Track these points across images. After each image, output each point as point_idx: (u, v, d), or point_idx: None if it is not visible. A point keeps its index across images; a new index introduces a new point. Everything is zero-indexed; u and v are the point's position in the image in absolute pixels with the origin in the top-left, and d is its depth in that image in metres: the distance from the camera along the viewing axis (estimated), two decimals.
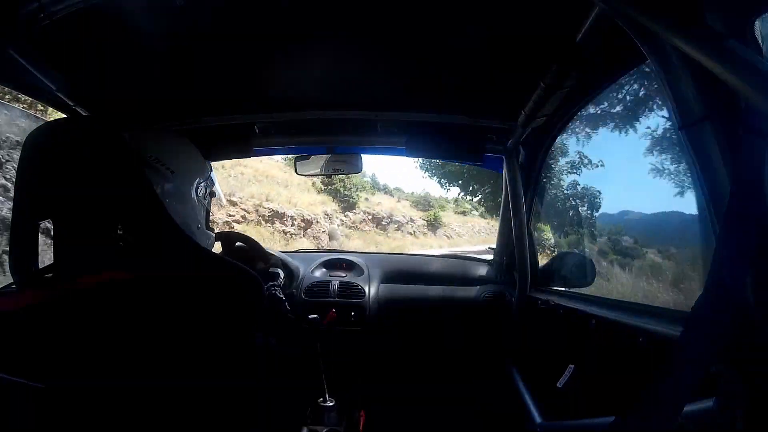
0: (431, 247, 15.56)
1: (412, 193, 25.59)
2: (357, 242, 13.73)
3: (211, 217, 1.02)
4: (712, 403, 0.60)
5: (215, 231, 1.03)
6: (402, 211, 19.23)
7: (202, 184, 0.91)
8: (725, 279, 0.53)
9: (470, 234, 22.12)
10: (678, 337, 0.55)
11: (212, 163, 1.51)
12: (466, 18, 0.98)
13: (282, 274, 1.22)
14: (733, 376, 0.56)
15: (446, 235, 19.97)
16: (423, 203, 23.21)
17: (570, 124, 1.48)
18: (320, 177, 1.89)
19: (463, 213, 25.57)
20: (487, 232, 23.16)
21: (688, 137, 0.66)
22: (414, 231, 18.19)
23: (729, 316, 0.53)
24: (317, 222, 13.15)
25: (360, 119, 1.57)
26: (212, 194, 0.96)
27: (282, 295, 1.11)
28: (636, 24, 0.68)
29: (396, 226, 17.32)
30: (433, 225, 19.90)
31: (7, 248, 0.72)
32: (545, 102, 1.19)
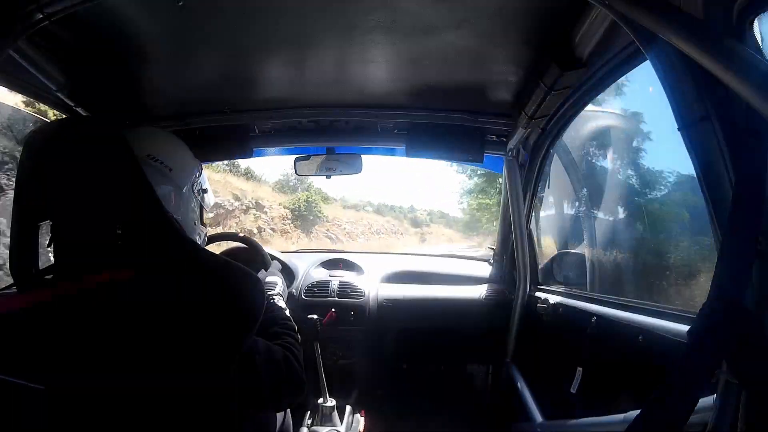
0: None
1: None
2: None
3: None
4: (712, 403, 0.60)
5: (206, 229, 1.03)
6: (240, 188, 10.94)
7: (198, 181, 0.91)
8: (728, 286, 0.53)
9: (367, 234, 16.23)
10: (684, 344, 0.56)
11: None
12: (466, 18, 0.98)
13: (279, 283, 1.19)
14: (732, 378, 0.56)
15: (329, 237, 13.33)
16: (289, 186, 15.31)
17: (570, 124, 1.48)
18: None
19: (355, 207, 19.79)
20: (388, 233, 18.14)
21: (688, 137, 0.66)
22: (261, 227, 10.71)
23: (732, 323, 0.53)
24: None
25: (360, 120, 1.57)
26: (205, 191, 0.96)
27: (282, 303, 1.08)
28: (636, 24, 0.68)
29: (214, 214, 9.37)
30: (305, 218, 12.51)
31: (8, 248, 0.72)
32: (545, 102, 1.19)
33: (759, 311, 0.55)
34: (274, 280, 1.17)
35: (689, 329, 0.56)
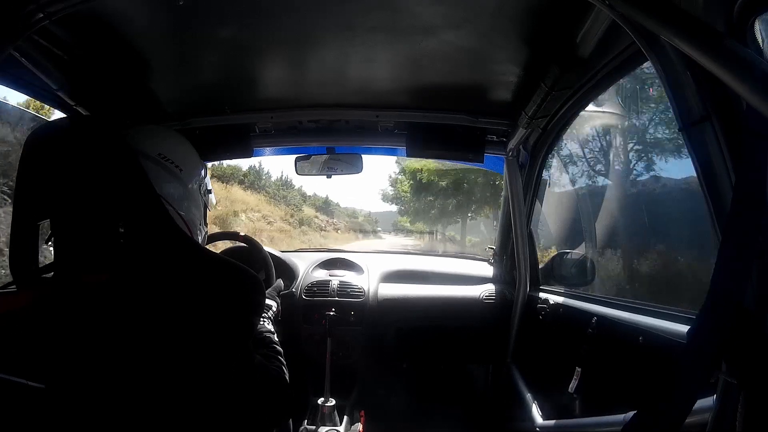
0: None
1: None
2: None
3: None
4: (712, 403, 0.60)
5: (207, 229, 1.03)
6: None
7: (204, 182, 0.91)
8: (727, 285, 0.53)
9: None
10: (683, 344, 0.56)
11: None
12: (466, 18, 0.98)
13: (274, 306, 1.17)
14: (732, 379, 0.56)
15: None
16: None
17: (570, 124, 1.48)
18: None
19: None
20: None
21: (688, 138, 0.66)
22: None
23: (731, 323, 0.53)
24: None
25: (360, 119, 1.57)
26: (209, 191, 0.96)
27: (271, 327, 1.05)
28: (636, 24, 0.68)
29: None
30: None
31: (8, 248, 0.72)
32: (546, 102, 1.19)
33: (759, 311, 0.55)
34: (270, 304, 1.15)
35: (689, 329, 0.56)
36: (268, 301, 1.15)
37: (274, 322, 1.12)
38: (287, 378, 0.87)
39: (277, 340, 0.98)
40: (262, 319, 1.06)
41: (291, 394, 0.84)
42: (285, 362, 0.91)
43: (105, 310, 0.66)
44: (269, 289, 1.23)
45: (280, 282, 1.31)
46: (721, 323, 0.53)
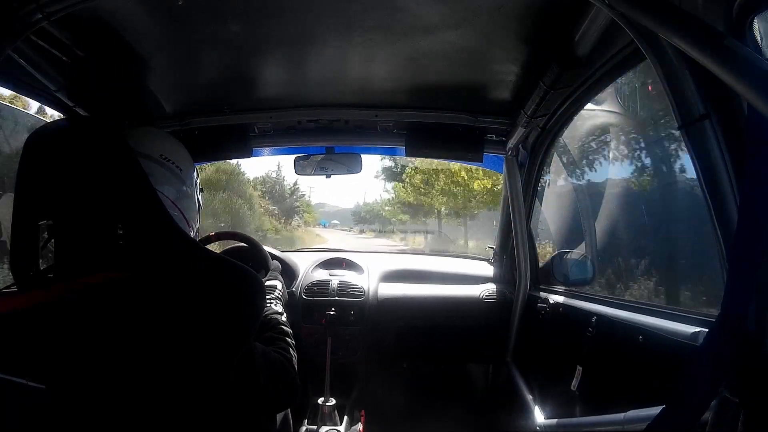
0: None
1: None
2: None
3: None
4: (713, 402, 0.60)
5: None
6: None
7: (197, 181, 0.91)
8: (734, 305, 0.53)
9: None
10: (687, 355, 0.55)
11: None
12: (466, 18, 0.98)
13: (279, 285, 1.16)
14: (733, 397, 0.56)
15: None
16: None
17: (570, 123, 1.48)
18: None
19: None
20: None
21: (687, 136, 0.66)
22: None
23: (736, 340, 0.52)
24: None
25: (360, 119, 1.57)
26: (201, 190, 0.97)
27: (279, 308, 1.05)
28: (635, 23, 0.68)
29: None
30: None
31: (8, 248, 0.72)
32: (545, 101, 1.19)
33: (761, 331, 0.55)
34: (274, 284, 1.15)
35: (699, 347, 0.56)
36: (271, 282, 1.15)
37: (282, 302, 1.11)
38: (294, 359, 0.87)
39: (284, 320, 0.98)
40: (269, 301, 1.07)
41: (296, 379, 0.84)
42: (293, 343, 0.91)
43: (105, 310, 0.66)
44: (270, 271, 1.23)
45: (276, 263, 1.30)
46: (727, 340, 0.53)
